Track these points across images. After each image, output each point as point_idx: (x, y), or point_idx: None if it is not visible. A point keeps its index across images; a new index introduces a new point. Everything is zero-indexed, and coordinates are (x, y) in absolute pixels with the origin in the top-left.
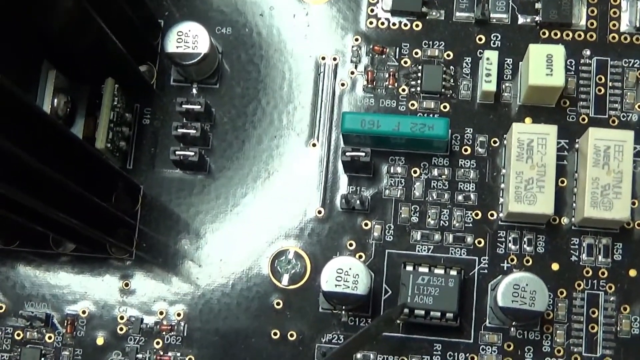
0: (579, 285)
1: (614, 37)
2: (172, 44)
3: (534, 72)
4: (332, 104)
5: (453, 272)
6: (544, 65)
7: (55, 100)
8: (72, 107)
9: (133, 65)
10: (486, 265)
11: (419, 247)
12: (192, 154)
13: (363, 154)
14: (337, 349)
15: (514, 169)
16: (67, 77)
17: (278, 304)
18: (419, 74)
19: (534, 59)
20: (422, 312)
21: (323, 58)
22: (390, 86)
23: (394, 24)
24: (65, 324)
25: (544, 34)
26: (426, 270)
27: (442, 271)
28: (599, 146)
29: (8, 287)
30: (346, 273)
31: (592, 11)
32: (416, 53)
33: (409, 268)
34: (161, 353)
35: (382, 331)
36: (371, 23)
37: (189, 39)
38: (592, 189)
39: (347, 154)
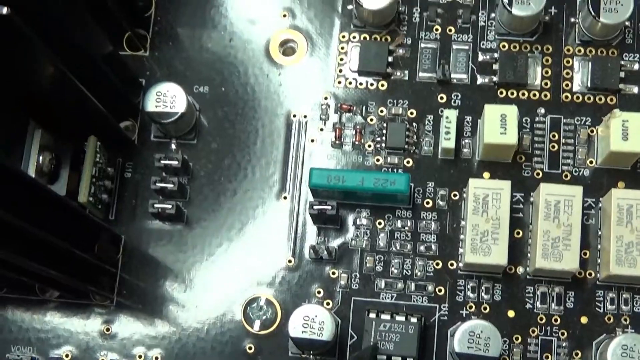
0: (533, 331)
1: (566, 97)
2: (152, 104)
3: (488, 131)
4: (302, 159)
5: (413, 319)
6: (499, 125)
7: (41, 158)
8: (57, 163)
9: (114, 124)
10: (446, 312)
11: (383, 294)
12: (170, 206)
13: (329, 207)
14: None
15: (470, 222)
16: (52, 135)
17: (250, 348)
18: (384, 131)
19: (489, 118)
20: (384, 357)
21: (294, 115)
22: (356, 142)
23: (360, 84)
24: None
25: (501, 93)
26: (388, 317)
27: (403, 318)
28: (549, 200)
29: None
30: (312, 320)
31: (547, 72)
32: (381, 111)
33: (372, 315)
34: None
35: None
36: (339, 82)
37: (167, 98)
38: (543, 241)
39: (315, 207)
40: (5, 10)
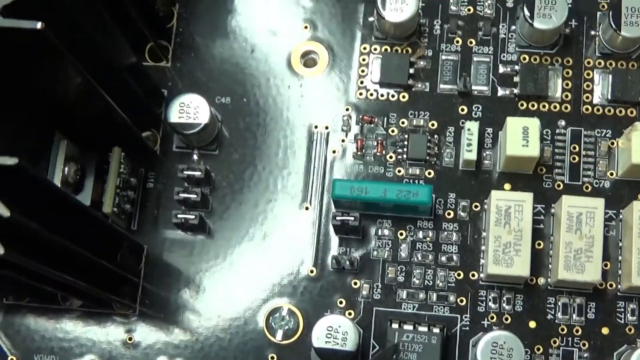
0: (555, 342)
1: (587, 109)
2: (175, 115)
3: (511, 143)
4: (323, 170)
5: (436, 330)
6: (521, 137)
7: (66, 169)
8: (82, 174)
9: (137, 134)
10: (468, 323)
11: (405, 305)
12: (193, 217)
13: (352, 218)
14: None
15: (492, 234)
16: (77, 146)
17: (272, 358)
18: (405, 142)
19: (511, 130)
20: None
21: (316, 126)
22: (378, 154)
23: (382, 95)
24: None
25: (522, 105)
26: (411, 327)
27: (425, 329)
28: (571, 212)
29: (19, 340)
30: (336, 330)
31: (567, 84)
32: (402, 122)
33: (395, 326)
34: None
35: None
36: (361, 94)
37: (190, 109)
38: (565, 252)
39: (337, 218)
40: (39, 25)
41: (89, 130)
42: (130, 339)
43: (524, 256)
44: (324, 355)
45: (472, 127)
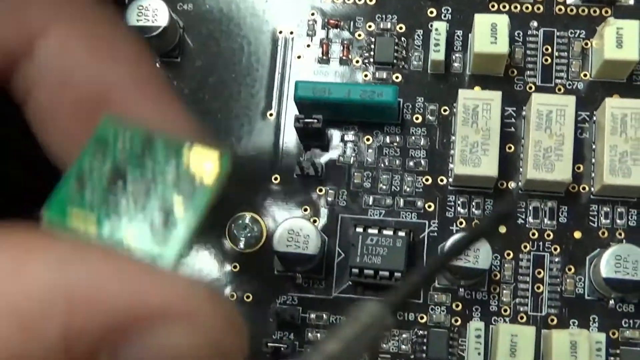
0: (525, 247)
1: (560, 9)
2: (133, 18)
3: (478, 41)
4: (288, 75)
5: (401, 233)
6: (489, 34)
7: None
8: None
9: None
10: (436, 229)
11: (371, 211)
12: None
13: (315, 120)
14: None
15: (459, 133)
16: None
17: (235, 267)
18: (372, 46)
19: (479, 28)
20: (372, 272)
21: (280, 32)
22: (344, 58)
23: None
24: None
25: (492, 6)
26: (375, 231)
27: (390, 232)
28: (541, 110)
29: None
30: (297, 234)
31: None
32: (370, 26)
33: (359, 229)
34: None
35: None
36: None
37: (149, 12)
38: (534, 151)
39: (300, 120)
40: None
41: None
42: None
43: (492, 156)
44: (286, 260)
45: (439, 27)
